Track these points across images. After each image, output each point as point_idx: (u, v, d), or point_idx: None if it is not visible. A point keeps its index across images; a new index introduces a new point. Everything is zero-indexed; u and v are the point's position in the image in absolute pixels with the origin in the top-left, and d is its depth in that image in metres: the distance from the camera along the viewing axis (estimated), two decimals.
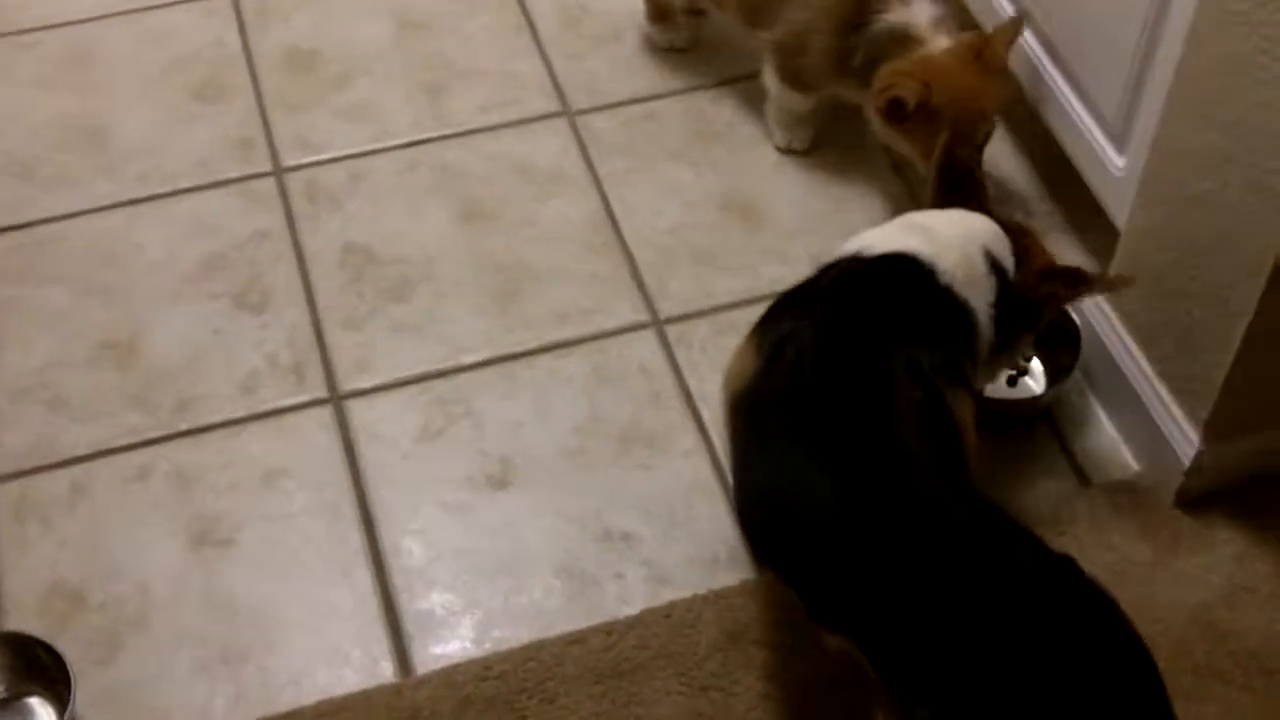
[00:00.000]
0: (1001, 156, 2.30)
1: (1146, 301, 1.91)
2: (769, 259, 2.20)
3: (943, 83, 2.04)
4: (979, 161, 2.01)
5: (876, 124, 2.12)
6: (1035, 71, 2.14)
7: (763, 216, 2.25)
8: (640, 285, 2.16)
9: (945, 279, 1.74)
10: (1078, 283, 1.78)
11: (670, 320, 2.13)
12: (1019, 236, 1.84)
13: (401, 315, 2.12)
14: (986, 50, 2.07)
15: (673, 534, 1.91)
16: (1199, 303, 1.80)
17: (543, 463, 1.98)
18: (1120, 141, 1.99)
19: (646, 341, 2.11)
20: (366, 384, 2.05)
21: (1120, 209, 2.01)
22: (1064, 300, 1.83)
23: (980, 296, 1.75)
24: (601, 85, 2.41)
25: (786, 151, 2.32)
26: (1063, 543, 1.88)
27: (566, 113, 2.37)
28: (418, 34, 2.49)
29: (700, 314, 2.14)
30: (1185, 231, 1.79)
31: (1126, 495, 1.95)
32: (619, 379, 2.07)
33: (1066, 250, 2.17)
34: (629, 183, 2.28)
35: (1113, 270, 1.97)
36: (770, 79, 2.28)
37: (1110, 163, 2.01)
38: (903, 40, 2.08)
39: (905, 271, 1.75)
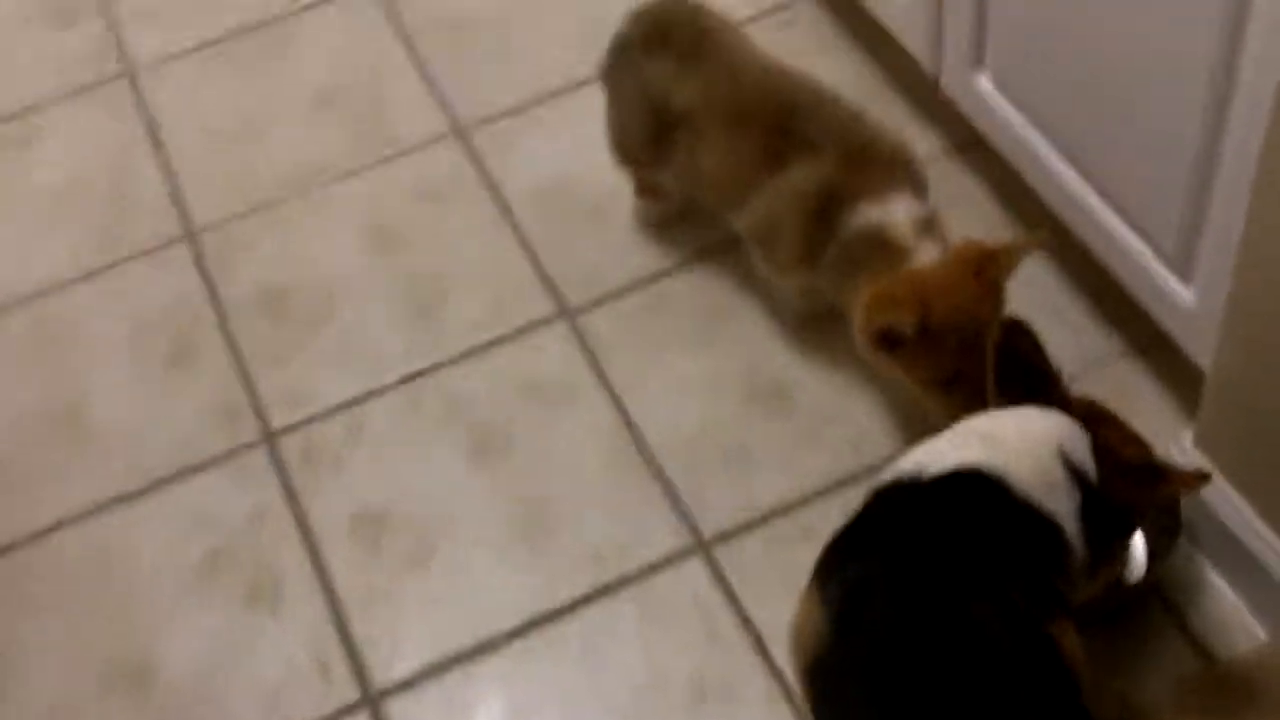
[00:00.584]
0: (1059, 296, 2.10)
1: (1250, 452, 1.70)
2: (807, 447, 2.01)
3: (939, 303, 1.79)
4: (1040, 349, 1.77)
5: (861, 346, 1.90)
6: (1075, 201, 1.94)
7: (791, 398, 2.05)
8: (675, 503, 1.97)
9: (1021, 492, 1.54)
10: (1156, 483, 1.58)
11: (716, 540, 1.93)
12: (1097, 427, 1.64)
13: (426, 586, 1.93)
14: (990, 268, 1.81)
15: None
16: None
17: None
18: (1184, 272, 1.79)
19: (694, 570, 1.92)
20: (401, 673, 1.87)
21: (1195, 343, 1.81)
22: (1149, 504, 1.62)
23: (1063, 506, 1.55)
24: (597, 273, 2.22)
25: (800, 317, 2.13)
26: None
27: (565, 312, 2.18)
28: (391, 245, 2.30)
29: (747, 527, 1.94)
30: None
31: (1258, 671, 1.74)
32: (671, 620, 1.87)
33: (1147, 398, 1.98)
34: (643, 384, 2.09)
35: (1201, 421, 1.77)
36: (755, 260, 2.10)
37: (1177, 295, 1.81)
38: (882, 245, 1.86)
39: (974, 490, 1.55)
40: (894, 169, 1.91)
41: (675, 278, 2.20)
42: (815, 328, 2.11)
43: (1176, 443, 1.82)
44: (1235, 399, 1.70)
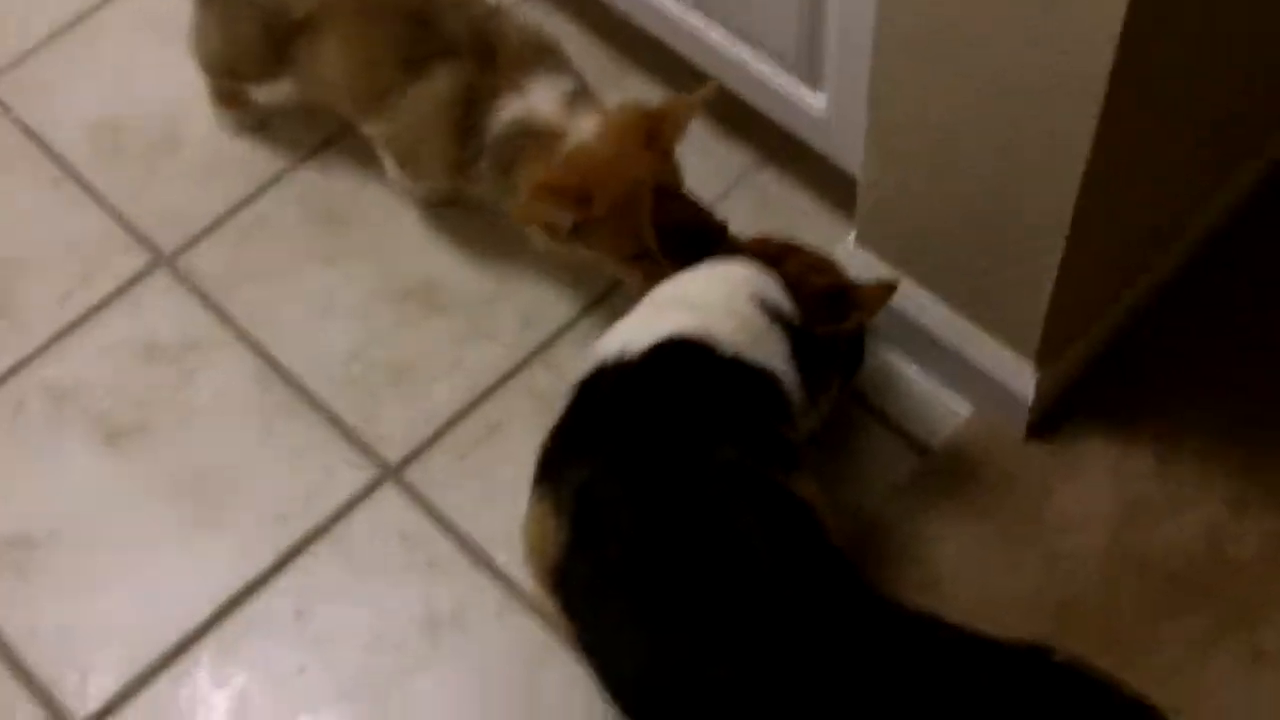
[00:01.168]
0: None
1: (912, 241, 1.68)
2: (472, 340, 1.87)
3: (609, 183, 1.66)
4: (692, 205, 1.68)
5: (537, 242, 1.77)
6: (689, 31, 1.84)
7: (441, 291, 1.90)
8: (349, 435, 1.80)
9: (729, 351, 1.46)
10: (848, 308, 1.53)
11: (403, 463, 1.78)
12: (780, 262, 1.57)
13: (99, 602, 1.70)
14: (662, 133, 1.68)
15: None
16: (993, 239, 1.57)
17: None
18: (812, 79, 1.73)
19: (389, 500, 1.76)
20: (101, 700, 1.64)
21: (833, 146, 1.76)
22: (850, 329, 1.57)
23: (773, 353, 1.49)
24: (185, 209, 1.98)
25: (430, 206, 1.97)
26: (930, 519, 1.69)
27: (162, 259, 1.94)
28: None
29: (432, 440, 1.80)
30: (944, 168, 1.55)
31: (976, 449, 1.74)
32: (379, 559, 1.72)
33: (798, 208, 1.93)
34: (275, 317, 1.89)
35: (861, 221, 1.73)
36: (389, 166, 1.92)
37: (807, 102, 1.75)
38: (534, 135, 1.72)
39: (681, 360, 1.47)
40: (527, 57, 1.75)
41: (273, 193, 1.99)
42: (444, 211, 1.96)
43: (841, 244, 1.78)
44: (888, 196, 1.66)
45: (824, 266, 1.63)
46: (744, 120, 1.93)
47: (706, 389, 1.45)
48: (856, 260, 1.75)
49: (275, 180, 2.00)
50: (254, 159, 2.02)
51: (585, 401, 1.48)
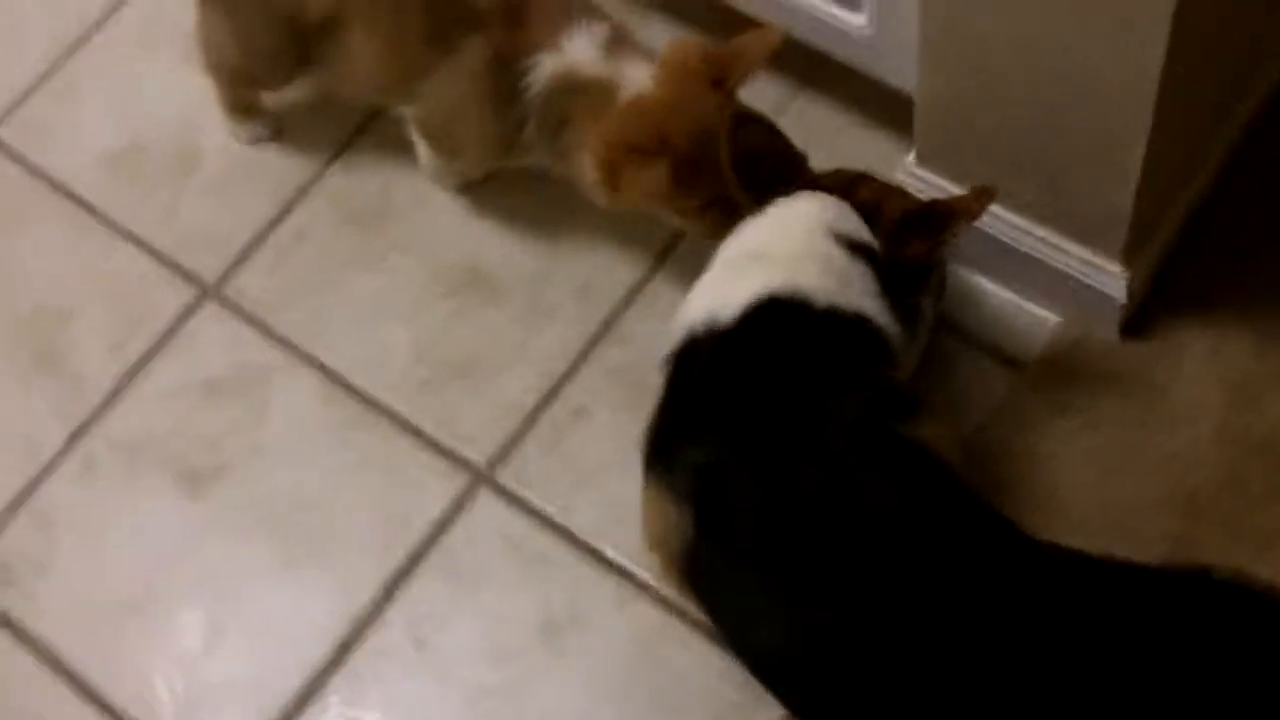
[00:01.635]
0: None
1: (977, 155, 1.61)
2: (535, 323, 1.81)
3: (684, 132, 1.57)
4: (778, 134, 1.59)
5: (607, 201, 1.67)
6: None
7: (493, 278, 1.84)
8: (432, 444, 1.76)
9: (822, 301, 1.40)
10: (941, 227, 1.47)
11: (493, 464, 1.74)
12: (851, 193, 1.50)
13: (213, 661, 1.67)
14: (729, 75, 1.59)
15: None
16: (1068, 135, 1.50)
17: None
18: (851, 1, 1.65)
19: (486, 505, 1.72)
20: None
21: (879, 66, 1.69)
22: (938, 250, 1.51)
23: (863, 294, 1.43)
24: (219, 233, 1.92)
25: (464, 190, 1.90)
26: (1038, 435, 1.64)
27: (207, 291, 1.89)
28: None
29: (518, 435, 1.75)
30: (1010, 63, 1.47)
31: (1072, 358, 1.69)
32: (486, 568, 1.68)
33: (851, 133, 1.85)
34: (329, 330, 1.84)
35: (920, 140, 1.66)
36: (424, 151, 1.85)
37: (849, 24, 1.67)
38: (581, 91, 1.63)
39: (777, 320, 1.41)
40: (554, 9, 1.66)
41: (305, 204, 1.92)
42: (489, 196, 1.89)
43: (900, 167, 1.72)
44: (949, 106, 1.59)
45: (901, 193, 1.56)
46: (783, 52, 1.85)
47: (808, 348, 1.39)
48: (919, 181, 1.69)
49: (305, 189, 1.93)
50: (278, 168, 1.95)
51: (683, 378, 1.43)
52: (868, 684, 1.28)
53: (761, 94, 1.88)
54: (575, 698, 1.61)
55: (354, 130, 1.95)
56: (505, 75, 1.67)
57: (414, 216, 1.89)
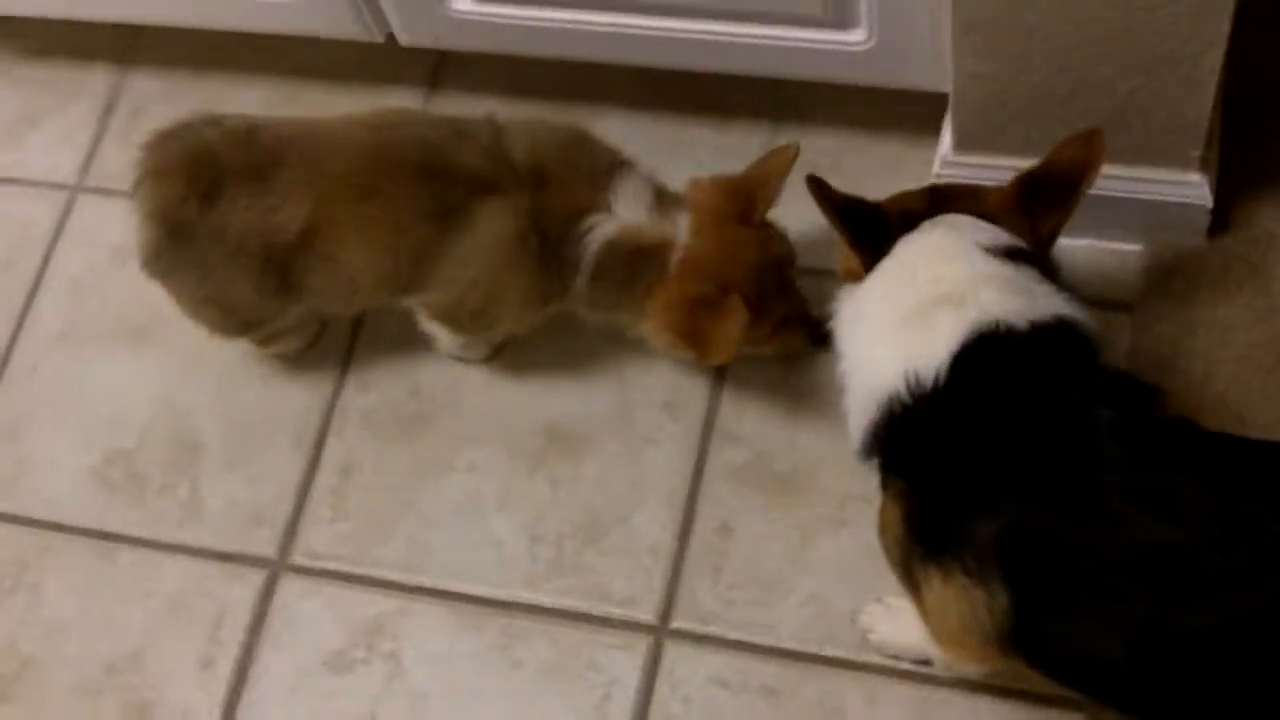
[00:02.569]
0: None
1: (1053, 122, 1.55)
2: (639, 458, 1.70)
3: (740, 275, 1.57)
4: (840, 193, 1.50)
5: (684, 358, 1.65)
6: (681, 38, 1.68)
7: (577, 431, 1.72)
8: (598, 621, 1.63)
9: (1021, 321, 1.33)
10: (1072, 188, 1.41)
11: (665, 617, 1.62)
12: (964, 201, 1.44)
13: None
14: (757, 208, 1.59)
15: None
16: (1135, 70, 1.47)
17: None
18: (844, 22, 1.59)
19: (680, 658, 1.60)
20: None
21: (889, 74, 1.64)
22: (1072, 213, 1.45)
23: (1046, 295, 1.36)
24: (259, 502, 1.75)
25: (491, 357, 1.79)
26: (1180, 358, 1.62)
27: (279, 566, 1.72)
28: None
29: (674, 577, 1.64)
30: (1062, 26, 1.44)
31: (1176, 278, 1.66)
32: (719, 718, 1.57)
33: (873, 155, 1.81)
34: (430, 551, 1.69)
35: (957, 130, 1.62)
36: (446, 335, 1.72)
37: (847, 43, 1.62)
38: (644, 253, 1.57)
39: (993, 358, 1.32)
40: (586, 163, 1.59)
41: (336, 434, 1.77)
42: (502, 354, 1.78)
43: (937, 160, 1.67)
44: (989, 88, 1.54)
45: (977, 187, 1.49)
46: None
47: (1035, 372, 1.31)
48: (960, 168, 1.64)
49: (326, 418, 1.78)
50: (289, 410, 1.79)
51: (915, 455, 1.34)
52: (1244, 667, 1.22)
53: (744, 142, 1.84)
54: None
55: (349, 340, 1.81)
56: (544, 237, 1.57)
57: (458, 403, 1.76)
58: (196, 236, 1.58)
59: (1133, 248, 1.69)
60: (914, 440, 1.33)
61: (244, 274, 1.62)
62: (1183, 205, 1.62)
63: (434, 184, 1.57)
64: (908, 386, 1.33)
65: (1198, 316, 1.64)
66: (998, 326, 1.32)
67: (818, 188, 1.41)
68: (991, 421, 1.30)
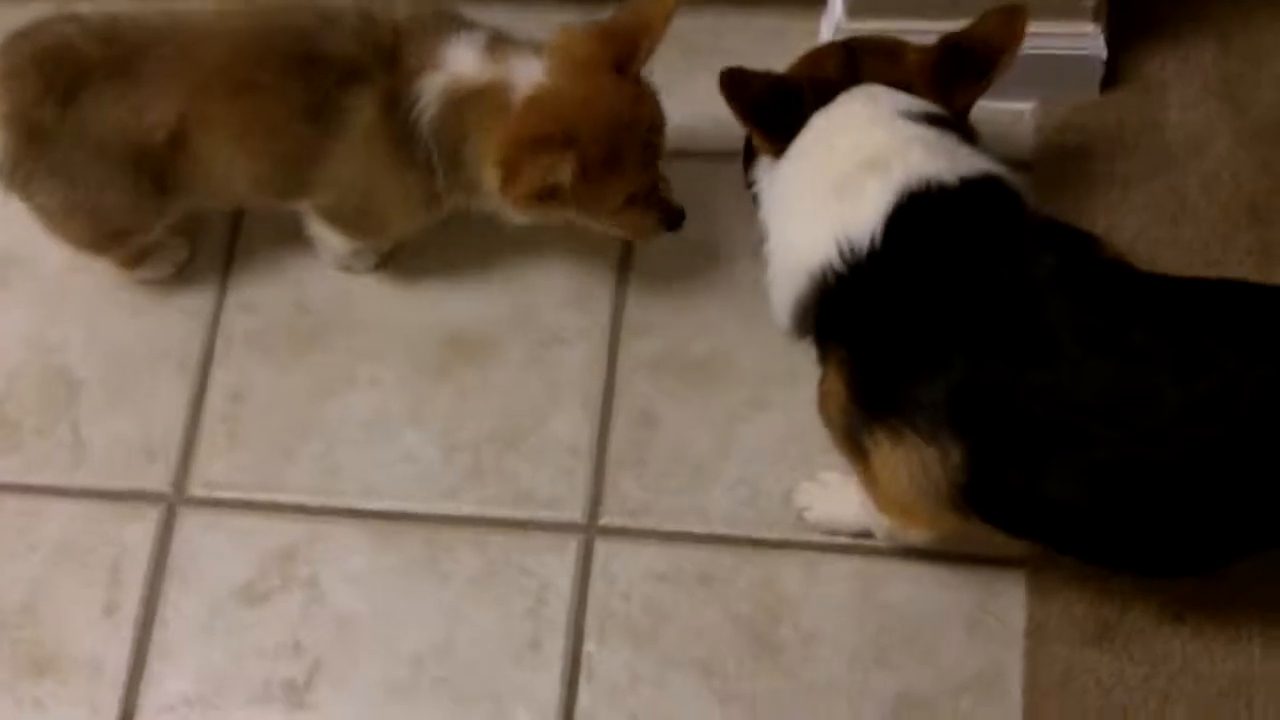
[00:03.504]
0: None
1: None
2: (550, 360, 1.65)
3: (592, 125, 1.43)
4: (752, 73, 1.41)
5: (520, 213, 1.51)
6: None
7: (482, 336, 1.66)
8: (524, 526, 1.58)
9: (951, 177, 1.30)
10: (989, 65, 1.39)
11: (594, 511, 1.58)
12: (881, 62, 1.40)
13: None
14: (634, 58, 1.45)
15: None
16: None
17: None
18: None
19: (615, 556, 1.56)
20: None
21: None
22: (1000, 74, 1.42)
23: (970, 154, 1.34)
24: (146, 436, 1.65)
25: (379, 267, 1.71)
26: (1085, 211, 1.61)
27: (175, 499, 1.63)
28: None
29: (600, 474, 1.59)
30: None
31: (1070, 134, 1.66)
32: (661, 612, 1.53)
33: (753, 34, 1.76)
34: (339, 470, 1.62)
35: None
36: (334, 241, 1.64)
37: None
38: (475, 100, 1.46)
39: (928, 216, 1.30)
40: (426, 33, 1.49)
41: (221, 359, 1.68)
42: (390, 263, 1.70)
43: (825, 28, 1.64)
44: None
45: (895, 44, 1.46)
46: None
47: (972, 226, 1.29)
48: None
49: (208, 342, 1.69)
50: (166, 335, 1.69)
51: (855, 322, 1.31)
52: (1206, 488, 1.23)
53: None
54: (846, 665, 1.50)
55: (225, 257, 1.72)
56: (402, 118, 1.48)
57: (350, 315, 1.69)
58: (58, 139, 1.48)
59: (1026, 105, 1.68)
60: (852, 307, 1.31)
61: (113, 175, 1.52)
62: (1077, 58, 1.62)
63: (307, 76, 1.48)
64: (841, 255, 1.30)
65: (1098, 171, 1.64)
66: (928, 185, 1.30)
67: (732, 85, 1.36)
68: (932, 279, 1.28)
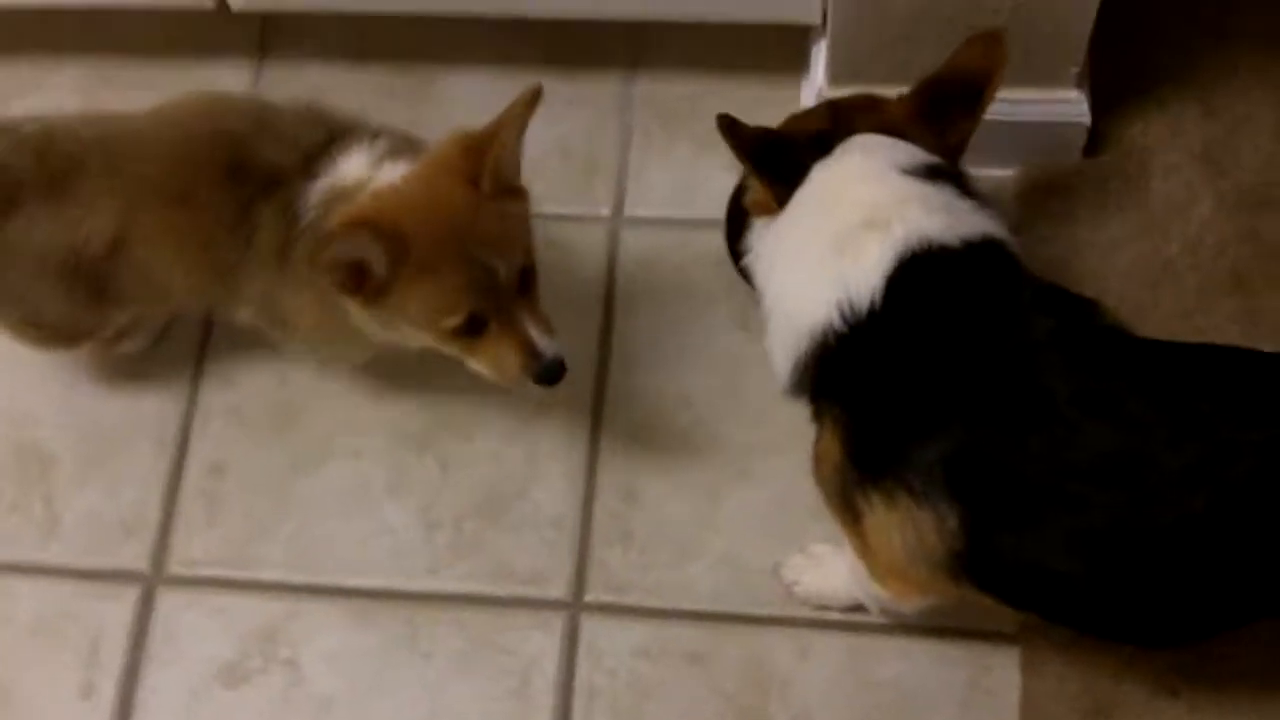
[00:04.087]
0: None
1: (934, 48, 1.53)
2: (534, 432, 1.63)
3: (420, 225, 1.33)
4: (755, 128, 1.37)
5: (355, 309, 1.40)
6: None
7: (463, 409, 1.64)
8: (508, 603, 1.55)
9: (952, 238, 1.29)
10: (978, 94, 1.37)
11: (579, 587, 1.55)
12: (866, 114, 1.39)
13: None
14: (482, 171, 1.35)
15: None
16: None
17: None
18: None
19: (601, 632, 1.54)
20: None
21: (757, 9, 1.60)
22: (986, 107, 1.41)
23: (969, 211, 1.32)
24: (123, 512, 1.63)
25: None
26: (1075, 268, 1.60)
27: (153, 579, 1.59)
28: None
29: (585, 547, 1.57)
30: None
31: (1052, 200, 1.66)
32: (648, 691, 1.51)
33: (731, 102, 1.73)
34: (317, 545, 1.59)
35: (833, 63, 1.58)
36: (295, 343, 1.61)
37: None
38: (341, 200, 1.39)
39: (929, 279, 1.28)
40: (349, 133, 1.44)
41: (199, 433, 1.66)
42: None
43: (817, 96, 1.63)
44: (861, 18, 1.51)
45: (875, 97, 1.44)
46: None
47: (971, 291, 1.27)
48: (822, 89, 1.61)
49: (185, 419, 1.66)
50: (144, 411, 1.67)
51: (853, 382, 1.29)
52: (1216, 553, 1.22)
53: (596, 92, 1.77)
54: None
55: (202, 330, 1.69)
56: (292, 229, 1.42)
57: (330, 388, 1.66)
58: None
59: (1006, 172, 1.67)
60: (851, 367, 1.29)
61: (52, 290, 1.49)
62: (1061, 124, 1.61)
63: (237, 186, 1.43)
64: (841, 315, 1.29)
65: (1081, 237, 1.64)
66: (930, 245, 1.28)
67: (729, 128, 1.35)
68: (931, 341, 1.26)
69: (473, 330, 1.38)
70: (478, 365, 1.42)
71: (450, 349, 1.41)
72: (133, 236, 1.45)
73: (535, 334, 1.39)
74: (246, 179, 1.43)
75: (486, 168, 1.35)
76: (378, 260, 1.33)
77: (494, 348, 1.39)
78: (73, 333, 1.58)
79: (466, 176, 1.35)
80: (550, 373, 1.39)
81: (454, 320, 1.37)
